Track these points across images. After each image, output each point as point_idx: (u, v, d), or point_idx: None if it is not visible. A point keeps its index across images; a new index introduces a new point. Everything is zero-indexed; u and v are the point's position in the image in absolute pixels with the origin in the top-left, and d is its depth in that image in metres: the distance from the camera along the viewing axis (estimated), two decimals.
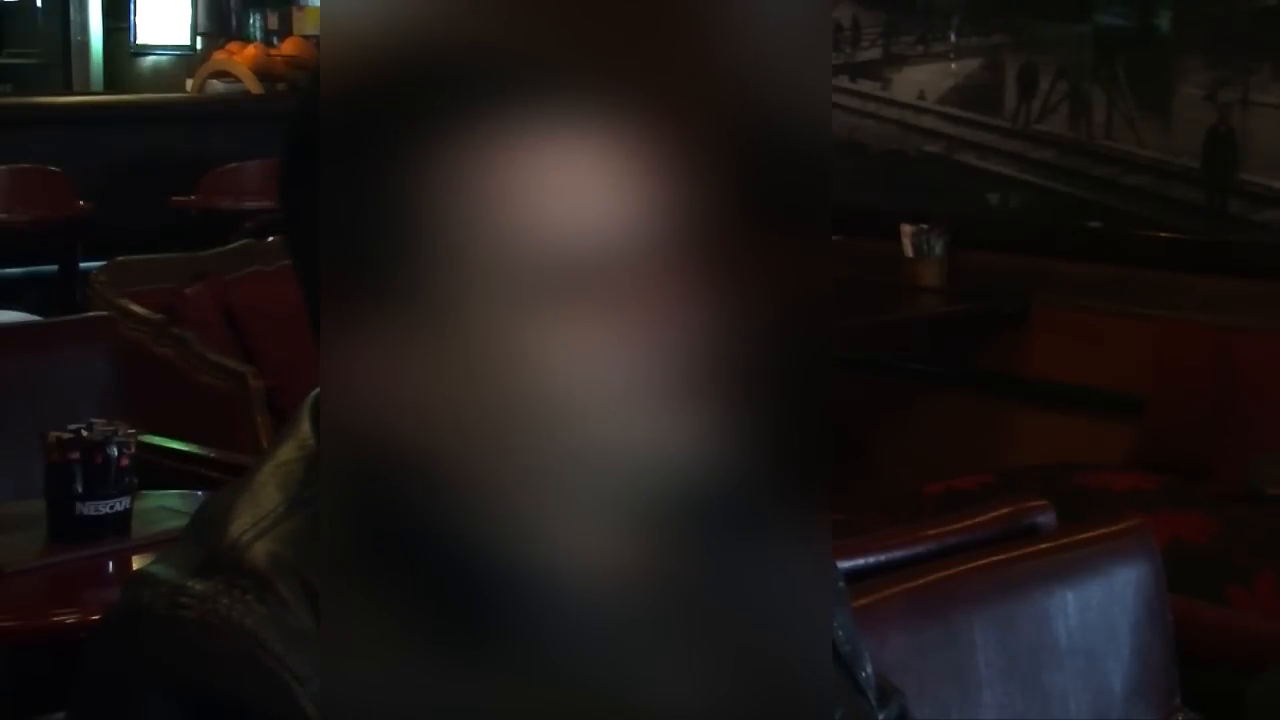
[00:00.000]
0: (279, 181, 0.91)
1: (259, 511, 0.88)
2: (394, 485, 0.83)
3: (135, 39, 8.80)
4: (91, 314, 3.89)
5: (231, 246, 4.50)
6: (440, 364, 0.82)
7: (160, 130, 6.26)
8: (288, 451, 0.91)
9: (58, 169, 5.53)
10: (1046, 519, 1.95)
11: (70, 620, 2.44)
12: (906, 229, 4.39)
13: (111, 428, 2.65)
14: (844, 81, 4.65)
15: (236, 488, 0.91)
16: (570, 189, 0.80)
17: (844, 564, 1.71)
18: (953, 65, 4.54)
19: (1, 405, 3.13)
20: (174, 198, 5.64)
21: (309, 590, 0.84)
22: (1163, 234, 4.11)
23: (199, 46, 8.32)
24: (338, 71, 0.81)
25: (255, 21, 8.01)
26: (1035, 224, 4.37)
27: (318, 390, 0.91)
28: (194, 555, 0.87)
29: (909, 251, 4.39)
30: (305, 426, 0.91)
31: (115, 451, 2.61)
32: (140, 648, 0.85)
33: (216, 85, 7.26)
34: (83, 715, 0.90)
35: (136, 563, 2.59)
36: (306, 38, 7.25)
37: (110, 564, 2.63)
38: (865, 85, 4.69)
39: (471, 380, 0.81)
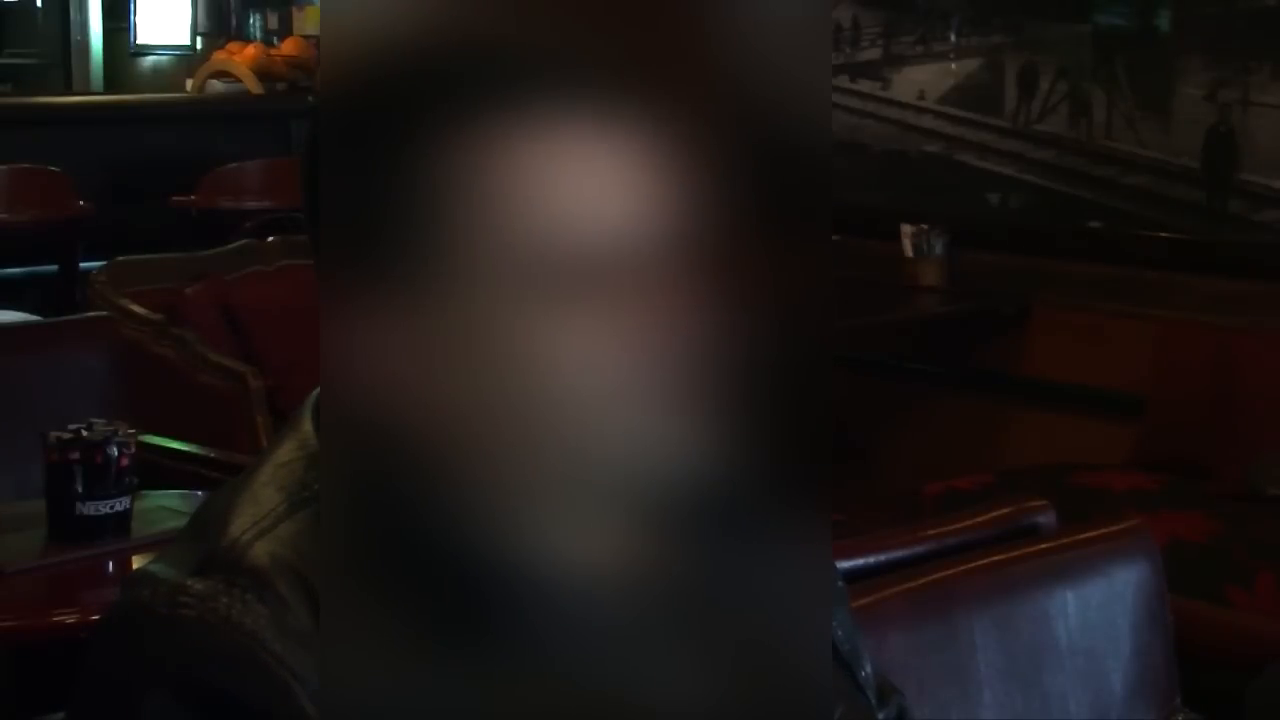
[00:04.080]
0: (301, 179, 0.90)
1: (259, 511, 0.88)
2: (394, 482, 0.83)
3: (135, 39, 8.79)
4: (91, 314, 3.89)
5: (231, 246, 4.51)
6: (444, 357, 0.81)
7: (160, 130, 6.26)
8: (288, 451, 0.91)
9: (58, 169, 5.53)
10: (1046, 519, 1.95)
11: (70, 620, 2.44)
12: (906, 229, 4.39)
13: (111, 428, 2.65)
14: (844, 81, 4.65)
15: (236, 487, 0.91)
16: (581, 185, 0.80)
17: (844, 564, 1.71)
18: (953, 65, 4.54)
19: (1, 405, 3.13)
20: (174, 198, 5.63)
21: (309, 590, 0.84)
22: (1163, 234, 4.10)
23: (199, 46, 8.32)
24: (337, 64, 0.81)
25: (255, 21, 8.01)
26: (1035, 224, 4.37)
27: (319, 390, 0.90)
28: (193, 554, 0.87)
29: (909, 251, 4.39)
30: (307, 426, 0.91)
31: (115, 451, 2.61)
32: (140, 646, 0.85)
33: (216, 85, 7.26)
34: (83, 714, 0.90)
35: (136, 563, 2.59)
36: (306, 38, 7.26)
37: (110, 564, 2.63)
38: (865, 85, 4.69)
39: (474, 374, 0.81)
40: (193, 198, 5.66)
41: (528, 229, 0.80)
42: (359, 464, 0.82)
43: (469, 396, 0.81)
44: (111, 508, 2.61)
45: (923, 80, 4.60)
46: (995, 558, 1.85)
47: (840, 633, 1.04)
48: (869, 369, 4.44)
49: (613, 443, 0.82)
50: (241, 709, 0.82)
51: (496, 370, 0.81)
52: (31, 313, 4.44)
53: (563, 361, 0.81)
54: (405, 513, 0.83)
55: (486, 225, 0.80)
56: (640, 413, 0.81)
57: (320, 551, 0.83)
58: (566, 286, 0.80)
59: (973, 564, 1.82)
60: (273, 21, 7.89)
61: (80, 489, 2.60)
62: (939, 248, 4.38)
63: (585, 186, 0.80)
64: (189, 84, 7.56)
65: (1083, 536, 1.95)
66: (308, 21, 7.45)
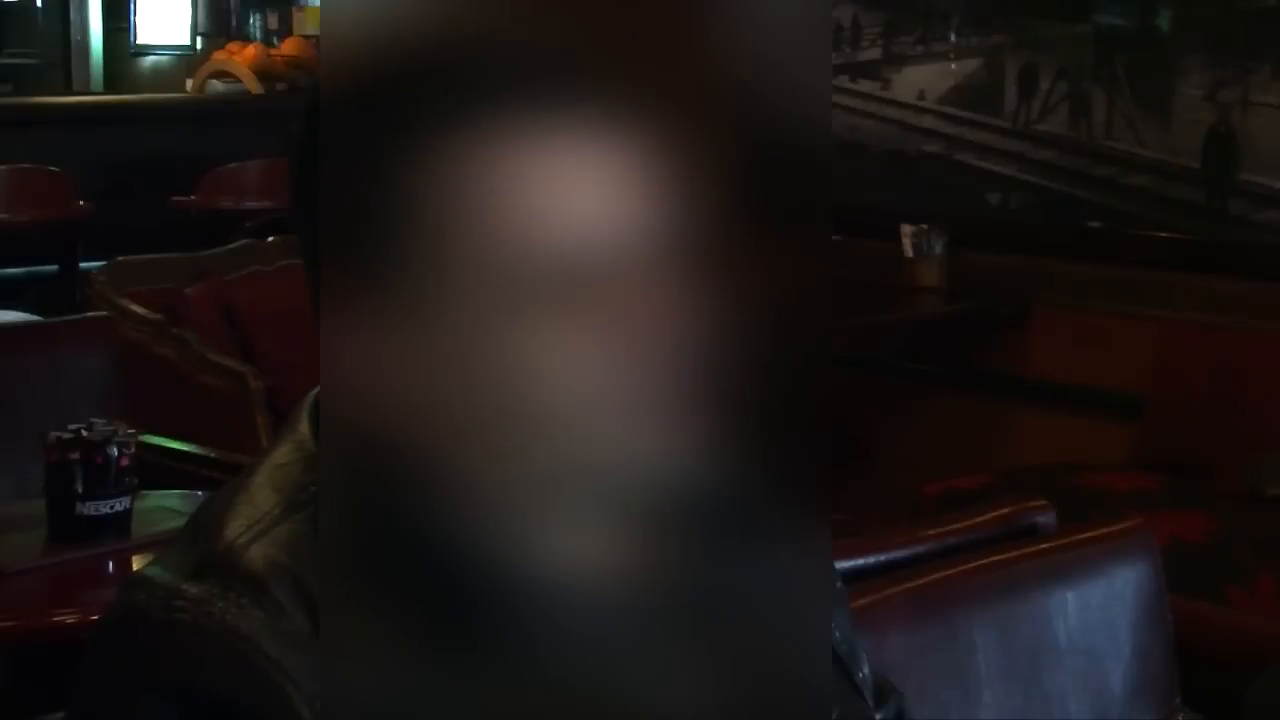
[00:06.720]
0: (290, 182, 0.90)
1: (255, 514, 0.88)
2: (392, 487, 0.83)
3: (135, 39, 8.80)
4: (91, 314, 3.89)
5: (231, 246, 4.51)
6: (435, 364, 0.81)
7: (160, 130, 6.26)
8: (285, 453, 0.91)
9: (58, 169, 5.53)
10: (1046, 519, 1.95)
11: (70, 620, 2.44)
12: (906, 229, 4.38)
13: (111, 428, 2.65)
14: (844, 81, 4.65)
15: (233, 489, 0.91)
16: (573, 192, 0.80)
17: (844, 564, 1.71)
18: (953, 65, 4.54)
19: (1, 405, 3.13)
20: (174, 198, 5.64)
21: (305, 594, 0.84)
22: (1163, 234, 4.11)
23: (199, 46, 8.33)
24: (337, 68, 0.81)
25: (255, 21, 8.02)
26: (1035, 224, 4.37)
27: (316, 391, 0.90)
28: (189, 557, 0.87)
29: (909, 251, 4.39)
30: (303, 428, 0.91)
31: (115, 451, 2.61)
32: (136, 650, 0.85)
33: (216, 85, 7.26)
34: (80, 716, 0.90)
35: (136, 563, 2.59)
36: (306, 38, 7.26)
37: (110, 564, 2.63)
38: (865, 85, 4.69)
39: (465, 382, 0.81)
40: (193, 198, 5.66)
41: (518, 236, 0.80)
42: (357, 470, 0.82)
43: (461, 404, 0.81)
44: (111, 508, 2.61)
45: (923, 80, 4.60)
46: (995, 558, 1.85)
47: (838, 634, 1.04)
48: (869, 369, 4.44)
49: (604, 448, 0.81)
50: (237, 713, 0.82)
51: (487, 378, 0.80)
52: (31, 313, 4.44)
53: (554, 368, 0.80)
54: (402, 518, 0.83)
55: (477, 232, 0.80)
56: (632, 418, 0.81)
57: (319, 557, 0.83)
58: (557, 293, 0.80)
59: (973, 564, 1.82)
60: (273, 21, 7.90)
61: (80, 489, 2.60)
62: (939, 248, 4.38)
63: (577, 192, 0.80)
64: (189, 84, 7.56)
65: (1083, 536, 1.95)
66: (308, 21, 7.45)
